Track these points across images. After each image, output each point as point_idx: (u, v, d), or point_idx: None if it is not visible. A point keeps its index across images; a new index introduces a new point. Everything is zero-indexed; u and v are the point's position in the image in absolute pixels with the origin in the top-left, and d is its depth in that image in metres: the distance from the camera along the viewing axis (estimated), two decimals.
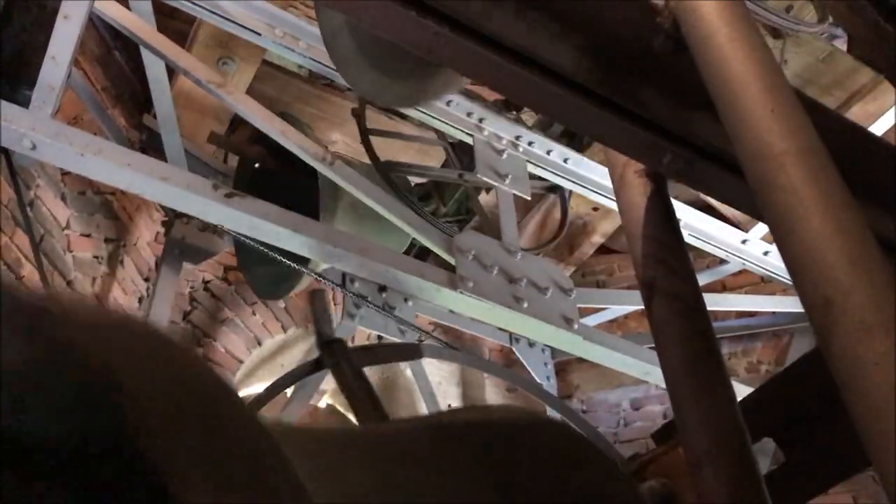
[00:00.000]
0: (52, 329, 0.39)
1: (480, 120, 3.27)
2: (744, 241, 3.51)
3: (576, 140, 3.58)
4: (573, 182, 3.43)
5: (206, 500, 0.35)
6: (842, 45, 3.26)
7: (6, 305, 0.38)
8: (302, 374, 2.17)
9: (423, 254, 3.78)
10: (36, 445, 0.35)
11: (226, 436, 0.41)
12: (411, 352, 2.99)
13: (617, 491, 0.96)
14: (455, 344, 4.66)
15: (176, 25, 3.92)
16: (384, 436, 0.81)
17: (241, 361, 4.04)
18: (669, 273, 1.05)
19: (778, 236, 0.70)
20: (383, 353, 2.66)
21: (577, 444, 1.02)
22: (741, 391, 1.48)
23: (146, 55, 3.44)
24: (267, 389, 2.17)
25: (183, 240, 3.89)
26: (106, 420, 0.36)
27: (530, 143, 3.34)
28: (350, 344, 3.65)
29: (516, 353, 4.59)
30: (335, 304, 4.42)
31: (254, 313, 4.17)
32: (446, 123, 3.26)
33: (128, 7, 3.17)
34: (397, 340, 4.18)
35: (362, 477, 0.63)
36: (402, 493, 0.63)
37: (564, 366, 4.70)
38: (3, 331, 0.37)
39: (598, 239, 4.80)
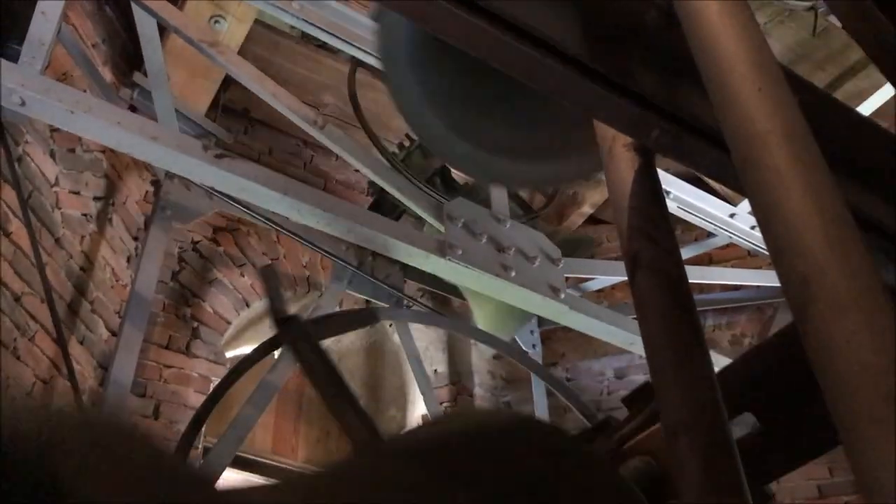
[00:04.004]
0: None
1: None
2: (732, 215, 3.53)
3: None
4: None
5: None
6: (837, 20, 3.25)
7: None
8: (261, 355, 2.18)
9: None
10: None
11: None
12: (367, 318, 2.98)
13: (602, 484, 0.97)
14: (443, 310, 4.69)
15: None
16: (354, 474, 0.80)
17: (229, 322, 4.06)
18: (654, 247, 1.06)
19: (759, 214, 0.71)
20: (338, 322, 2.64)
21: (559, 442, 1.03)
22: (724, 363, 1.51)
23: (137, 12, 3.41)
24: (230, 372, 2.20)
25: (172, 200, 3.88)
26: None
27: None
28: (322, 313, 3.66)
29: None
30: (322, 269, 4.43)
31: (242, 275, 4.17)
32: None
33: None
34: (385, 305, 4.20)
35: None
36: None
37: (550, 334, 4.74)
38: None
39: (587, 209, 4.81)
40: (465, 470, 0.75)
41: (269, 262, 4.30)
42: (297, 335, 1.72)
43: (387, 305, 4.21)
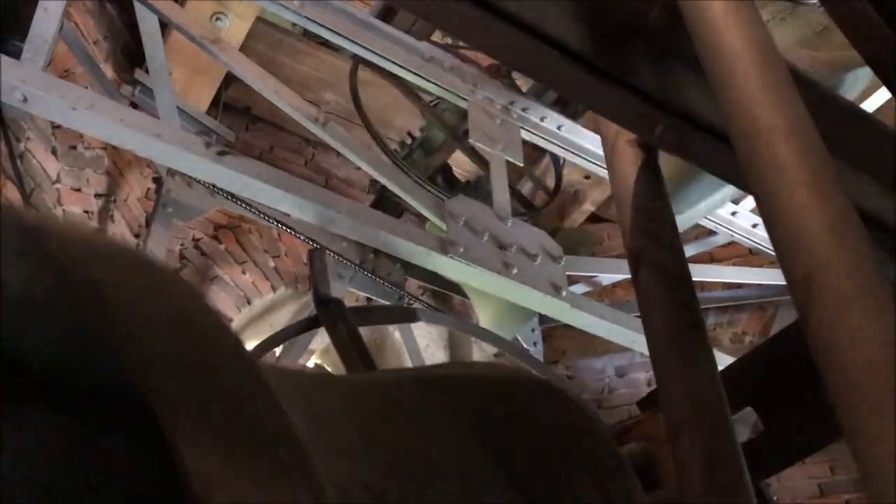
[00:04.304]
0: (49, 248, 0.39)
1: (475, 84, 3.26)
2: (733, 213, 3.52)
3: (570, 107, 3.57)
4: (566, 150, 3.43)
5: (190, 424, 0.36)
6: None
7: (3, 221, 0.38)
8: (298, 331, 2.18)
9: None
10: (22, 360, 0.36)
11: (212, 356, 0.41)
12: (407, 315, 3.00)
13: (599, 449, 0.97)
14: (443, 308, 4.69)
15: None
16: (369, 384, 0.82)
17: (230, 320, 4.06)
18: (657, 245, 1.07)
19: (763, 211, 0.71)
20: (379, 315, 2.65)
21: (560, 402, 1.03)
22: (725, 361, 1.51)
23: (139, 9, 3.41)
24: (261, 344, 2.18)
25: (174, 197, 3.88)
26: (99, 340, 0.37)
27: (524, 109, 3.33)
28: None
29: None
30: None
31: (244, 272, 4.17)
32: (441, 87, 3.24)
33: None
34: (386, 303, 4.21)
35: (346, 422, 0.64)
36: (383, 443, 0.64)
37: (551, 332, 4.74)
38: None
39: (588, 207, 4.81)
40: (474, 415, 0.76)
41: (272, 259, 4.31)
42: (337, 319, 1.74)
43: (388, 303, 4.21)
